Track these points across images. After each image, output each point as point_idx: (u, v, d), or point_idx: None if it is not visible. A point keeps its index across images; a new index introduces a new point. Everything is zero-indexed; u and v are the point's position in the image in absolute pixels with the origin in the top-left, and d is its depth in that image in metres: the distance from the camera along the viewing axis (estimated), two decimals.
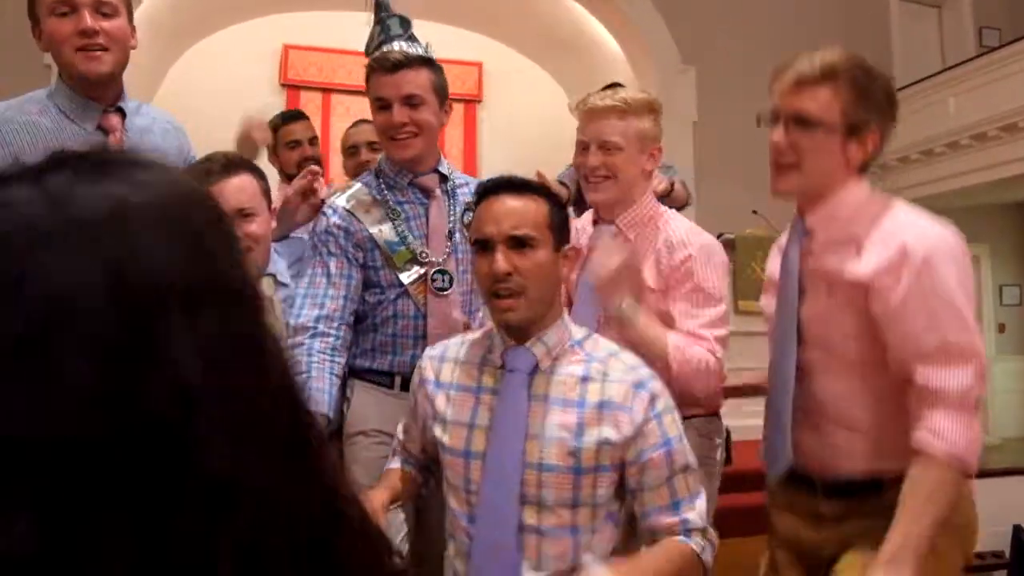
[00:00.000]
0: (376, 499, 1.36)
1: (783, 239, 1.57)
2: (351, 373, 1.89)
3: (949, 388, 1.28)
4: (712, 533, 1.35)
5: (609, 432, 1.29)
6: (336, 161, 8.33)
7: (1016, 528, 1.87)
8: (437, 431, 1.39)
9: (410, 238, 1.85)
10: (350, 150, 2.63)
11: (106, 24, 1.57)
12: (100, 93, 1.68)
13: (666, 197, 2.24)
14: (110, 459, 0.32)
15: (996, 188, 6.88)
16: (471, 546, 1.29)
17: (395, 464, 1.56)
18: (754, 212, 4.99)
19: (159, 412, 0.33)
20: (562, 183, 2.53)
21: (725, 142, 6.21)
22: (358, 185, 1.90)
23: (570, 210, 1.74)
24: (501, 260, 1.29)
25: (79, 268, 0.33)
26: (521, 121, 8.49)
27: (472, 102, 8.61)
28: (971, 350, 1.31)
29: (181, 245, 0.36)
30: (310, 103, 8.11)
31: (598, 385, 1.32)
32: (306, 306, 1.75)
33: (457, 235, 1.90)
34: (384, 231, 1.82)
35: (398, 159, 1.84)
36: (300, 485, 0.38)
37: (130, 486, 0.32)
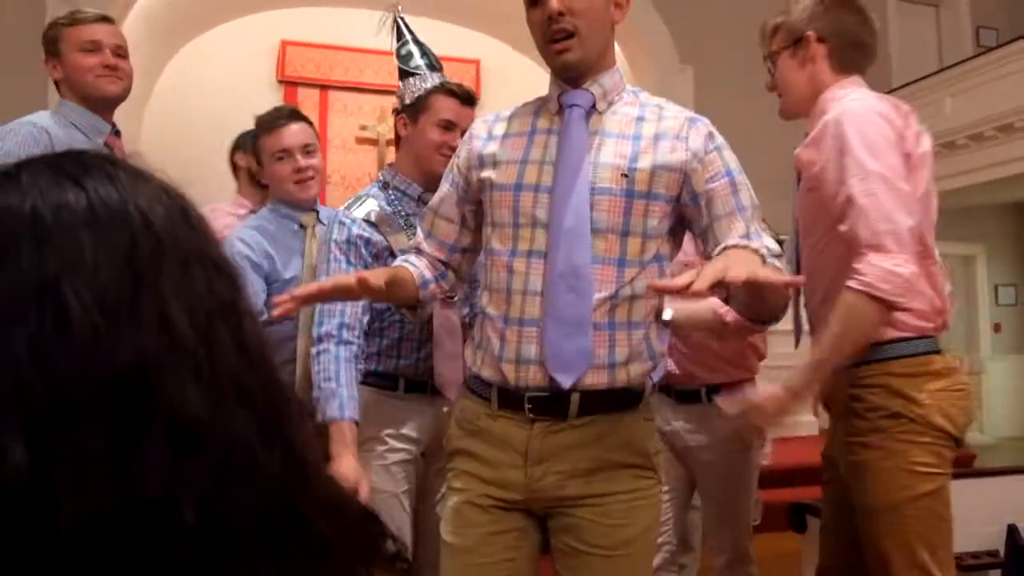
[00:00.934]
0: (377, 277, 1.34)
1: None
2: None
3: (858, 234, 1.42)
4: None
5: (665, 157, 1.32)
6: (335, 159, 8.32)
7: (1011, 527, 1.88)
8: (485, 173, 1.39)
9: None
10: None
11: (122, 63, 1.99)
12: (107, 114, 2.02)
13: None
14: (97, 394, 0.36)
15: (992, 188, 6.90)
16: (545, 269, 1.30)
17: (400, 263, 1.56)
18: None
19: (144, 350, 0.37)
20: None
21: None
22: (370, 199, 1.95)
23: None
24: (555, 3, 1.29)
25: (102, 235, 0.39)
26: None
27: None
28: (872, 195, 1.41)
29: (175, 214, 0.42)
30: (308, 100, 8.09)
31: (653, 122, 1.36)
32: (329, 314, 1.80)
33: None
34: (400, 241, 1.88)
35: (440, 172, 1.82)
36: (270, 446, 0.40)
37: (110, 417, 0.36)
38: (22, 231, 0.37)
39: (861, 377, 1.53)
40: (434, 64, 2.04)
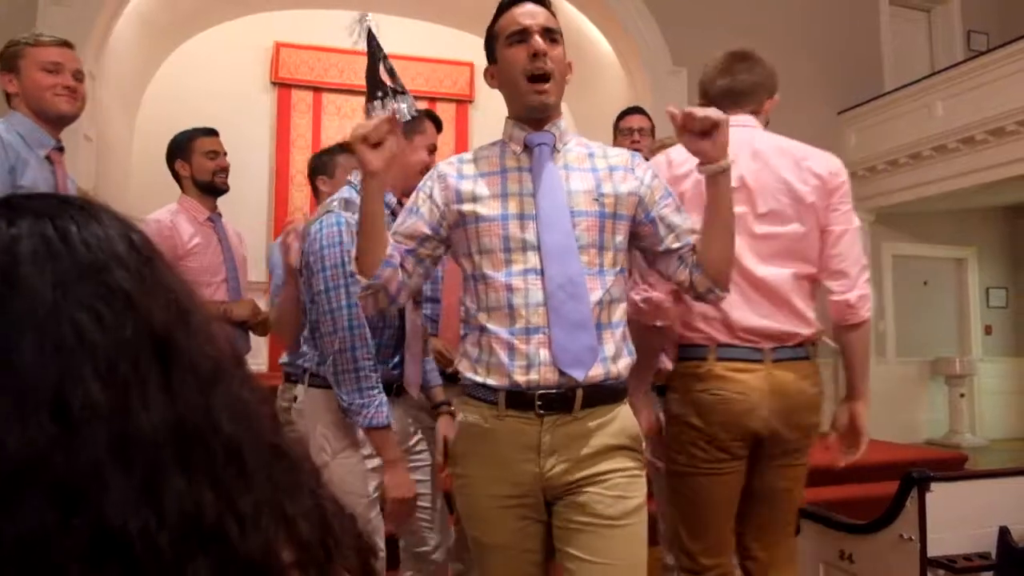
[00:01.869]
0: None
1: None
2: (328, 386, 1.91)
3: None
4: None
5: (621, 186, 1.55)
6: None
7: (1002, 529, 1.88)
8: (467, 207, 1.53)
9: None
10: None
11: (79, 86, 2.16)
12: (56, 131, 2.16)
13: None
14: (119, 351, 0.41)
15: (983, 191, 6.93)
16: (543, 283, 1.46)
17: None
18: None
19: (143, 338, 0.42)
20: None
21: None
22: (349, 200, 2.00)
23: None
24: (541, 42, 1.50)
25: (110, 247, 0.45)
26: None
27: (464, 102, 8.60)
28: None
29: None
30: (301, 101, 8.08)
31: (602, 158, 1.60)
32: (360, 320, 1.87)
33: None
34: None
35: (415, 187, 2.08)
36: (253, 433, 0.45)
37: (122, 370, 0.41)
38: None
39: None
40: (401, 87, 2.16)
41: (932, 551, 1.91)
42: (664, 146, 2.47)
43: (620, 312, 1.54)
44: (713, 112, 1.44)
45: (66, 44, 2.20)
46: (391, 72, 2.11)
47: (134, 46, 6.41)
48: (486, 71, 1.65)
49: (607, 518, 1.45)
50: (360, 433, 1.91)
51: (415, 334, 2.06)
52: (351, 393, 1.83)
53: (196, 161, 2.88)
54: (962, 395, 7.86)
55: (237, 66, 7.71)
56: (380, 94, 2.05)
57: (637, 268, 1.85)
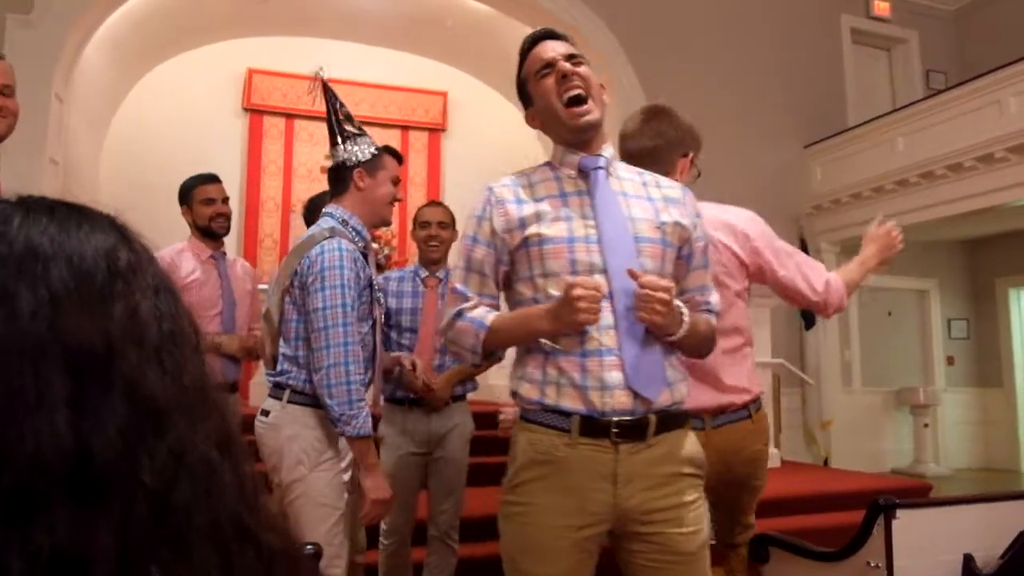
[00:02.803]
0: None
1: None
2: (311, 404, 2.03)
3: None
4: None
5: (676, 216, 1.57)
6: (299, 187, 8.27)
7: (967, 557, 1.90)
8: (530, 231, 1.52)
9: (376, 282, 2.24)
10: (423, 225, 3.13)
11: (8, 102, 2.04)
12: None
13: None
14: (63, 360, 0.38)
15: (944, 225, 7.11)
16: (613, 305, 1.46)
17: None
18: None
19: (109, 332, 0.40)
20: None
21: None
22: (339, 231, 2.13)
23: None
24: (568, 65, 1.53)
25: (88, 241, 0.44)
26: (485, 150, 8.55)
27: (437, 131, 8.66)
28: None
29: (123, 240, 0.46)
30: (273, 128, 8.07)
31: (656, 188, 1.61)
32: (354, 343, 2.01)
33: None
34: (372, 273, 2.18)
35: (389, 220, 2.33)
36: (223, 457, 0.43)
37: (72, 380, 0.38)
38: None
39: None
40: (358, 127, 2.34)
41: None
42: None
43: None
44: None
45: None
46: (348, 118, 2.30)
47: (104, 70, 6.36)
48: (527, 116, 1.65)
49: (686, 555, 1.46)
50: (341, 444, 2.08)
51: (380, 355, 2.24)
52: (343, 405, 1.94)
53: (196, 208, 3.03)
54: (926, 425, 7.98)
55: (209, 91, 7.70)
56: (341, 140, 2.25)
57: None
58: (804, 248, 6.74)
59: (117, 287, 0.42)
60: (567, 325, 1.41)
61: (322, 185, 8.73)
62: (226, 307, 3.05)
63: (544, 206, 1.54)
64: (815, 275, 2.09)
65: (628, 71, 6.92)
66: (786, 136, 7.47)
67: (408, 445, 2.85)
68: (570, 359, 1.45)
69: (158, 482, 0.38)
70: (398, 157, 2.33)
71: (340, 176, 2.22)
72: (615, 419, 1.43)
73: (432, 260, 3.05)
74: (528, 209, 1.54)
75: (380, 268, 3.34)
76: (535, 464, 1.47)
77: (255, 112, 7.97)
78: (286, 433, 2.01)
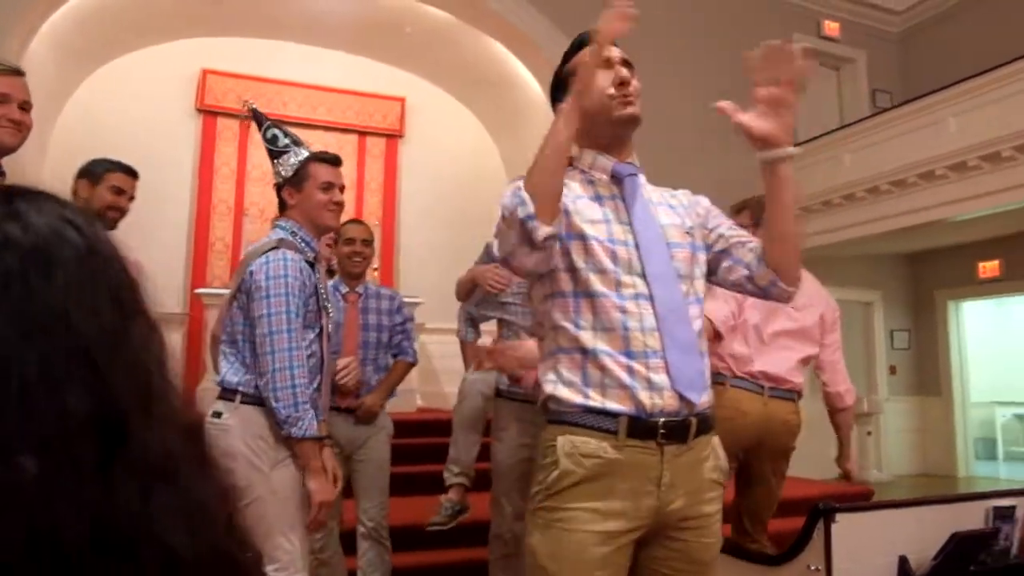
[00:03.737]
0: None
1: None
2: (264, 404, 2.06)
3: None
4: None
5: (697, 221, 1.61)
6: (253, 191, 8.16)
7: (902, 559, 1.97)
8: (577, 221, 1.49)
9: (323, 290, 2.25)
10: (348, 241, 3.19)
11: (26, 117, 2.10)
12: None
13: None
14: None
15: (888, 239, 7.34)
16: (654, 308, 1.45)
17: None
18: None
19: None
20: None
21: None
22: (286, 241, 2.18)
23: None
24: (625, 71, 1.57)
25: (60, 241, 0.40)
26: (442, 157, 8.54)
27: (394, 136, 8.63)
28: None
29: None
30: (227, 130, 7.94)
31: (674, 197, 1.65)
32: (299, 352, 2.06)
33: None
34: (318, 282, 2.20)
35: (333, 224, 2.34)
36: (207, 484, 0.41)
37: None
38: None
39: None
40: (297, 140, 2.38)
41: None
42: None
43: (705, 342, 1.54)
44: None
45: (17, 72, 2.12)
46: (275, 138, 2.38)
47: (48, 68, 6.19)
48: (558, 110, 1.56)
49: (703, 563, 1.46)
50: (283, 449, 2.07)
51: (328, 363, 2.27)
52: (288, 407, 2.00)
53: (101, 191, 2.81)
54: (869, 433, 8.21)
55: (161, 91, 7.55)
56: (283, 151, 2.32)
57: None
58: None
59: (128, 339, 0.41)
60: (581, 89, 1.39)
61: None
62: None
63: (584, 204, 1.52)
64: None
65: None
66: (742, 148, 7.61)
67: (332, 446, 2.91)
68: (615, 359, 1.42)
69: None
70: (332, 161, 2.33)
71: (279, 195, 2.33)
72: (662, 420, 1.40)
73: (354, 275, 3.20)
74: (571, 202, 1.50)
75: (331, 274, 3.35)
76: (580, 468, 1.40)
77: (209, 113, 7.83)
78: (239, 433, 2.04)
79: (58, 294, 0.37)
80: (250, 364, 2.11)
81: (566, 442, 1.42)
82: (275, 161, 2.34)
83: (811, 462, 7.50)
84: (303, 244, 2.22)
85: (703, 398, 1.45)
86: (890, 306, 8.84)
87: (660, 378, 1.41)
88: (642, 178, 1.61)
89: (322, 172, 2.27)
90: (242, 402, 2.09)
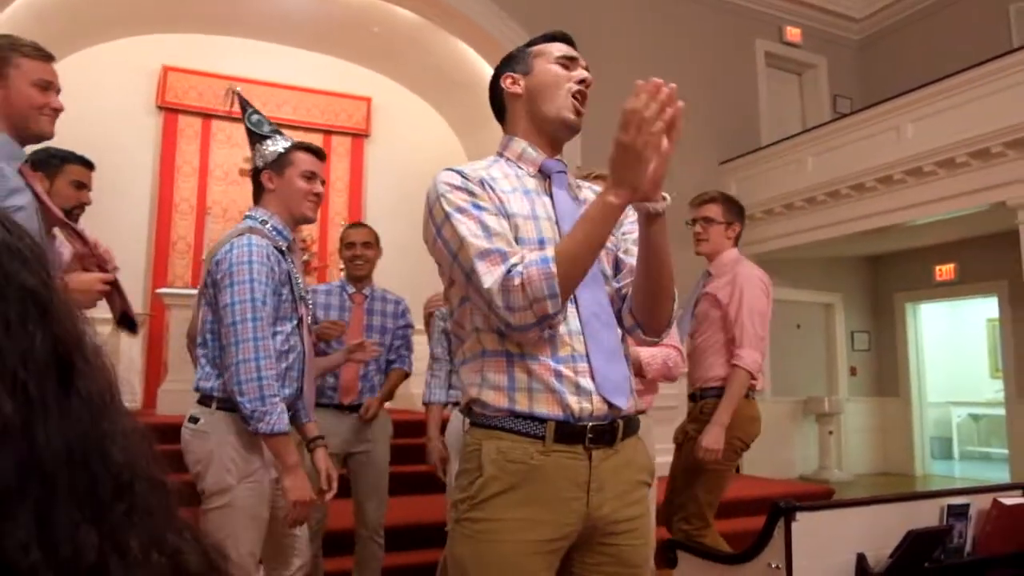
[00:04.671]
0: None
1: None
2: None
3: (743, 340, 3.01)
4: None
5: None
6: (215, 189, 8.03)
7: (859, 556, 2.00)
8: (512, 223, 1.44)
9: (301, 281, 2.20)
10: (348, 245, 3.26)
11: (58, 104, 1.99)
12: (27, 146, 2.01)
13: None
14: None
15: (848, 242, 7.48)
16: (579, 311, 1.42)
17: None
18: None
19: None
20: None
21: None
22: (256, 230, 2.12)
23: None
24: (589, 76, 1.54)
25: None
26: (408, 156, 8.51)
27: (360, 136, 8.57)
28: (755, 331, 3.05)
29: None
30: (188, 128, 7.81)
31: (596, 189, 1.56)
32: (266, 342, 1.99)
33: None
34: (293, 271, 2.14)
35: (310, 216, 2.25)
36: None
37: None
38: None
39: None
40: (278, 129, 2.37)
41: None
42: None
43: (625, 346, 1.51)
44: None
45: (52, 58, 2.04)
46: (259, 123, 2.37)
47: None
48: (506, 76, 1.55)
49: (636, 566, 1.44)
50: (267, 455, 2.01)
51: (311, 358, 2.20)
52: (254, 401, 1.90)
53: (59, 185, 2.70)
54: (830, 433, 8.35)
55: (121, 88, 7.40)
56: (263, 137, 2.30)
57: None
58: None
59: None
60: (637, 172, 1.26)
61: (239, 188, 8.56)
62: None
63: (515, 201, 1.45)
64: None
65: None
66: (704, 152, 7.71)
67: (331, 446, 2.89)
68: (542, 363, 1.37)
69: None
70: (316, 152, 2.29)
71: (256, 180, 2.26)
72: (590, 424, 1.37)
73: (357, 278, 3.25)
74: (505, 199, 1.45)
75: (306, 264, 3.36)
76: (505, 475, 1.35)
77: (170, 111, 7.70)
78: (215, 440, 1.99)
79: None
80: (220, 364, 2.02)
81: (492, 447, 1.38)
82: (256, 146, 2.29)
83: (770, 462, 7.64)
84: (274, 232, 2.14)
85: (629, 403, 1.43)
86: (850, 308, 9.01)
87: (587, 382, 1.38)
88: (569, 176, 1.58)
89: (306, 161, 2.23)
90: (218, 408, 2.02)
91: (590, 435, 1.36)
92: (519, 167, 1.52)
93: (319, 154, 2.29)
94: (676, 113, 1.27)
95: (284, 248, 2.14)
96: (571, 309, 1.40)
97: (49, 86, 1.97)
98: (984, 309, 9.68)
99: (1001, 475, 8.09)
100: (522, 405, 1.36)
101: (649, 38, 7.69)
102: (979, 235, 7.42)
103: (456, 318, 1.48)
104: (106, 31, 7.19)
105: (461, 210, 1.38)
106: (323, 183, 2.27)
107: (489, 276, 1.33)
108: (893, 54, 8.79)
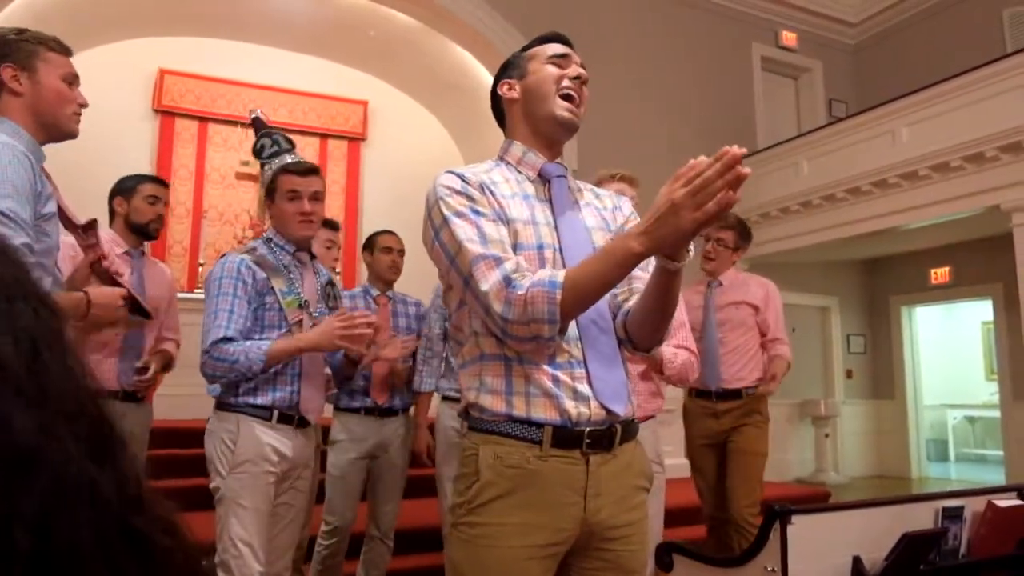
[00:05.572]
0: None
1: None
2: (235, 408, 2.21)
3: (782, 335, 3.53)
4: None
5: (621, 225, 1.58)
6: (212, 193, 8.01)
7: (856, 559, 2.01)
8: (512, 228, 1.44)
9: (299, 290, 2.34)
10: (385, 250, 3.40)
11: (81, 99, 1.98)
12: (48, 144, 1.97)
13: None
14: None
15: (844, 245, 7.50)
16: (578, 318, 1.40)
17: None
18: None
19: None
20: None
21: None
22: (253, 248, 2.36)
23: None
24: (583, 71, 1.53)
25: None
26: (404, 160, 8.51)
27: (356, 140, 8.57)
28: (783, 335, 3.57)
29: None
30: (185, 131, 7.80)
31: (597, 199, 1.62)
32: (228, 321, 2.20)
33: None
34: (278, 282, 2.30)
35: (303, 235, 2.38)
36: (101, 467, 0.41)
37: None
38: None
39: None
40: (283, 148, 2.54)
41: None
42: (624, 179, 2.74)
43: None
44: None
45: (71, 53, 2.00)
46: (273, 140, 2.54)
47: None
48: (503, 83, 1.58)
49: (633, 571, 1.44)
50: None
51: (313, 361, 2.31)
52: (227, 373, 2.15)
53: (136, 202, 2.97)
54: (827, 435, 8.37)
55: (117, 91, 7.39)
56: (266, 162, 2.49)
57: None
58: None
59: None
60: (672, 232, 1.21)
61: (235, 191, 8.56)
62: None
63: (515, 206, 1.45)
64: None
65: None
66: (699, 155, 7.71)
67: (358, 449, 3.09)
68: (540, 369, 1.37)
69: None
70: (295, 169, 2.42)
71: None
72: (588, 429, 1.37)
73: (390, 281, 3.39)
74: (505, 204, 1.44)
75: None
76: (503, 480, 1.35)
77: (166, 114, 7.69)
78: (215, 438, 2.21)
79: None
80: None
81: (489, 452, 1.38)
82: (277, 156, 2.54)
83: (768, 466, 7.64)
84: (277, 249, 2.36)
85: (627, 409, 1.43)
86: (846, 311, 9.03)
87: (584, 388, 1.38)
88: (570, 179, 1.58)
89: (286, 182, 2.38)
90: (216, 408, 2.26)
91: (587, 440, 1.36)
92: (519, 171, 1.53)
93: (300, 171, 2.40)
94: (738, 176, 1.20)
95: (288, 263, 2.35)
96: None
97: (76, 82, 1.95)
98: (979, 312, 9.72)
99: (997, 477, 8.11)
100: (520, 410, 1.36)
101: (645, 42, 7.72)
102: (974, 239, 7.45)
103: (455, 322, 1.49)
104: (103, 34, 7.18)
105: (459, 214, 1.38)
106: (315, 197, 2.38)
107: (485, 281, 1.33)
108: (888, 59, 8.82)
